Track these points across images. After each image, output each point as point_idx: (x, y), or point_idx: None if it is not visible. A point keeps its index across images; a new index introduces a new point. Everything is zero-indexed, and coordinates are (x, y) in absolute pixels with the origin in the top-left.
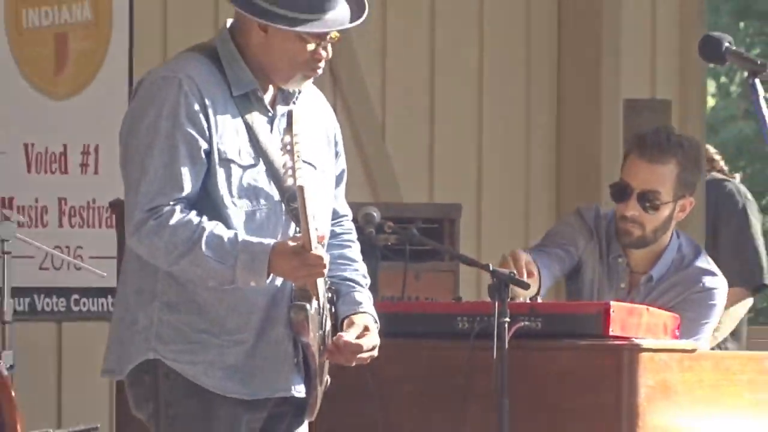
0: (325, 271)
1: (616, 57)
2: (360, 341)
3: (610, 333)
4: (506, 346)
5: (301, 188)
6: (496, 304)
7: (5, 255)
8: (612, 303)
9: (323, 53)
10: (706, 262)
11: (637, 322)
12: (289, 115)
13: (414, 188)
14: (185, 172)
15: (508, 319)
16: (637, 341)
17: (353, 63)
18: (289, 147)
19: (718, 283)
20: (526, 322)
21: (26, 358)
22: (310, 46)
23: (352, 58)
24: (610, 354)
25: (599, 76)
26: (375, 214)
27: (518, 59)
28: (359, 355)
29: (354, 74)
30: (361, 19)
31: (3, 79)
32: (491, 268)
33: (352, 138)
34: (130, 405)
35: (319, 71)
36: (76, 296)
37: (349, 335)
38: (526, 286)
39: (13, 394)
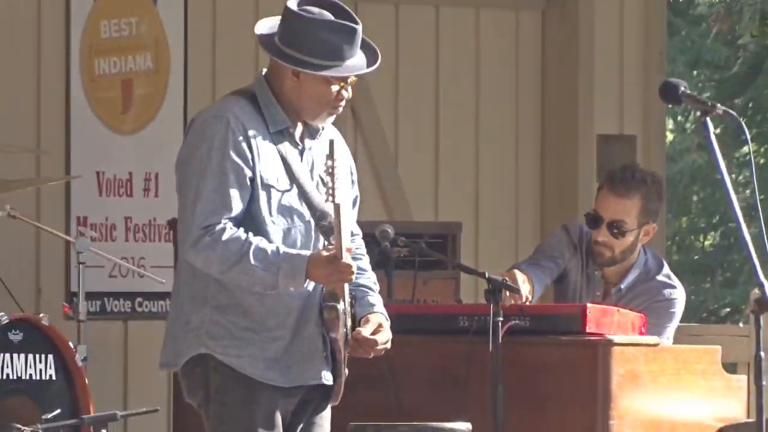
0: (353, 277)
1: (590, 99)
2: (375, 337)
3: (587, 330)
4: (500, 341)
5: (338, 206)
6: (491, 305)
7: (80, 264)
8: (588, 305)
9: (345, 93)
10: (667, 276)
11: (610, 321)
12: (331, 143)
13: (422, 208)
14: (234, 196)
15: (501, 319)
16: (609, 337)
17: (370, 104)
18: (330, 170)
19: (677, 294)
20: (517, 321)
21: (97, 351)
22: (334, 88)
23: (369, 100)
24: (587, 348)
25: (576, 115)
26: (390, 231)
27: (508, 101)
28: (375, 348)
29: (371, 113)
30: (376, 65)
31: (79, 118)
32: (487, 276)
33: (370, 166)
34: (184, 393)
35: (340, 109)
36: (139, 299)
37: (365, 331)
38: (516, 291)
39: (86, 381)
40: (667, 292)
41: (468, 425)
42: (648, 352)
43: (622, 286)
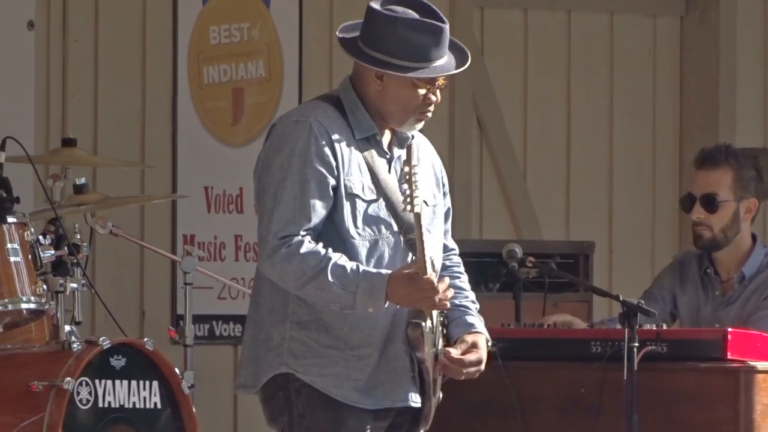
0: (439, 295)
1: (732, 109)
2: (464, 357)
3: (729, 356)
4: (635, 368)
5: (417, 215)
6: (626, 330)
7: (187, 285)
8: (730, 330)
9: (433, 98)
10: None
11: (753, 346)
12: (408, 148)
13: (552, 227)
14: (314, 205)
15: (636, 344)
16: (752, 363)
17: (497, 116)
18: (407, 177)
19: None
20: (653, 347)
21: (205, 378)
22: (421, 92)
23: (496, 112)
24: (729, 375)
25: (717, 127)
26: (517, 250)
27: (645, 113)
28: (466, 370)
29: (498, 126)
30: (465, 67)
31: (186, 129)
32: (621, 299)
33: (497, 181)
34: (266, 419)
35: (429, 115)
36: None
37: (455, 351)
38: (652, 315)
39: (193, 410)
40: None
41: None
42: None
43: (745, 272)
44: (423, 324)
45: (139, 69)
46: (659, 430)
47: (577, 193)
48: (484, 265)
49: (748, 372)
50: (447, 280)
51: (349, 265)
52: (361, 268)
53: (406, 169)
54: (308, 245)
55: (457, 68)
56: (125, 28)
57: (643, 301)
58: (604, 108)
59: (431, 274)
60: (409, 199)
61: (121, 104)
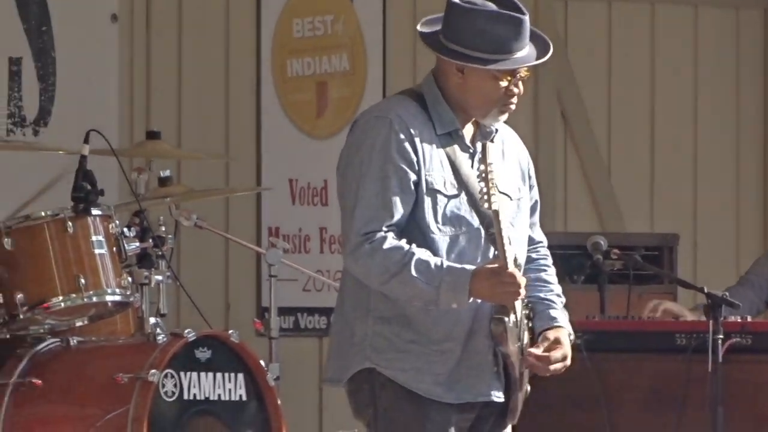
0: (521, 290)
1: None
2: (548, 354)
3: None
4: (720, 360)
5: (496, 212)
6: (711, 322)
7: (272, 278)
8: None
9: (515, 90)
10: None
11: None
12: (483, 146)
13: (636, 219)
14: (396, 201)
15: (721, 336)
16: None
17: (581, 109)
18: (484, 175)
19: None
20: (738, 339)
21: (291, 370)
22: (503, 84)
23: (580, 105)
24: None
25: None
26: (602, 243)
27: (729, 105)
28: (551, 366)
29: (582, 119)
30: (546, 57)
31: (270, 122)
32: (706, 291)
33: (582, 174)
34: (352, 412)
35: (512, 107)
36: None
37: (537, 349)
38: (737, 307)
39: (279, 402)
40: None
41: None
42: None
43: None
44: (506, 319)
45: (222, 61)
46: (744, 422)
47: (662, 185)
48: (569, 258)
49: None
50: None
51: (433, 260)
52: (445, 263)
53: (482, 167)
54: (391, 241)
55: (538, 59)
56: (209, 20)
57: (728, 293)
58: (688, 100)
59: (513, 269)
60: (486, 197)
61: (205, 97)
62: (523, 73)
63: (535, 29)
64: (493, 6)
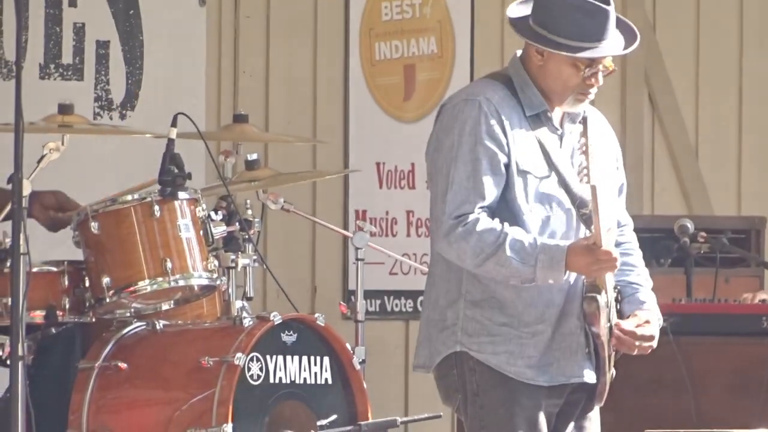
0: (617, 264)
1: None
2: (636, 329)
3: None
4: None
5: (594, 187)
6: None
7: (359, 261)
8: None
9: (593, 80)
10: None
11: None
12: (584, 120)
13: (724, 202)
14: (487, 183)
15: None
16: None
17: (669, 92)
18: (584, 148)
19: None
20: None
21: (377, 353)
22: (582, 72)
23: (668, 88)
24: None
25: None
26: (689, 226)
27: None
28: (639, 344)
29: (669, 101)
30: (629, 50)
31: (358, 105)
32: None
33: (669, 158)
34: (441, 397)
35: (590, 96)
36: (422, 298)
37: (627, 323)
38: None
39: (364, 386)
40: None
41: None
42: None
43: None
44: (599, 298)
45: (310, 44)
46: None
47: (749, 168)
48: (656, 241)
49: None
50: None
51: (527, 238)
52: (539, 240)
53: (583, 140)
54: (484, 222)
55: (624, 49)
56: (297, 3)
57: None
58: None
59: (607, 244)
60: (585, 171)
61: (292, 80)
62: (606, 63)
63: (625, 19)
64: None
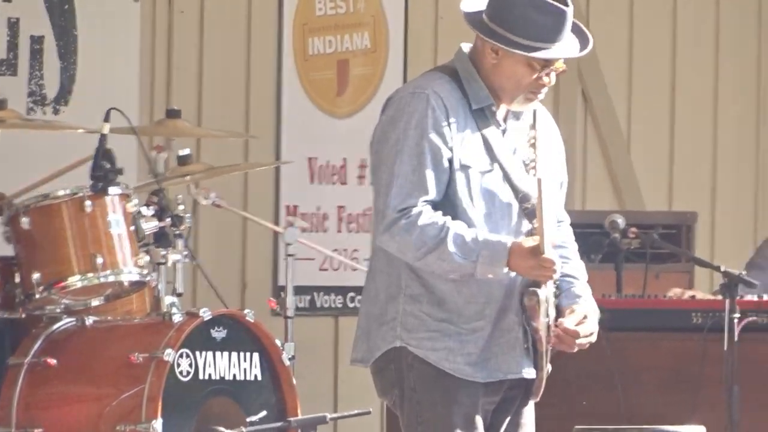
0: (557, 272)
1: None
2: (577, 327)
3: None
4: (736, 339)
5: (539, 180)
6: (727, 301)
7: (289, 257)
8: None
9: (546, 80)
10: None
11: None
12: (534, 113)
13: (655, 197)
14: (432, 177)
15: (737, 315)
16: None
17: (601, 85)
18: (533, 141)
19: None
20: (754, 318)
21: (306, 349)
22: (536, 72)
23: (600, 81)
24: None
25: None
26: (620, 221)
27: (749, 84)
28: (578, 341)
29: (602, 95)
30: (585, 52)
31: (291, 100)
32: (723, 269)
33: (601, 152)
34: (377, 391)
35: (540, 96)
36: (352, 294)
37: (568, 321)
38: (754, 286)
39: (293, 382)
40: None
41: (702, 428)
42: None
43: None
44: (539, 292)
45: (243, 40)
46: (760, 401)
47: (681, 163)
48: (587, 236)
49: None
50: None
51: (469, 233)
52: (481, 236)
53: (532, 133)
54: (427, 215)
55: (580, 52)
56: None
57: (745, 272)
58: (709, 78)
59: (551, 251)
60: (533, 163)
61: (225, 75)
62: (558, 65)
63: (579, 23)
64: None
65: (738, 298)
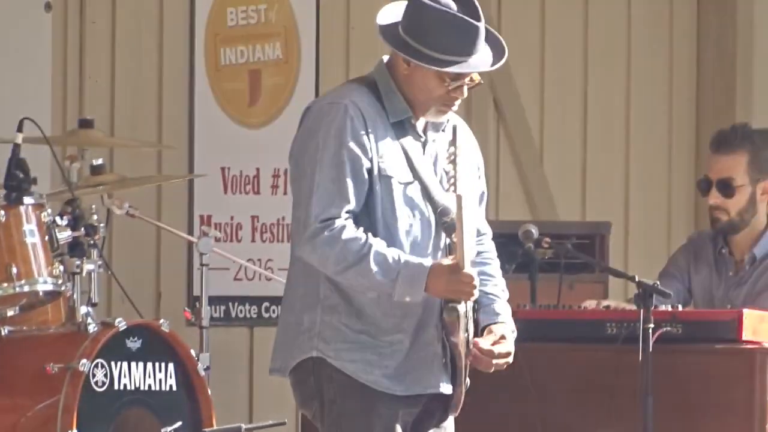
0: (475, 291)
1: (749, 93)
2: (494, 347)
3: (743, 337)
4: (650, 349)
5: (460, 197)
6: (642, 311)
7: (203, 267)
8: (744, 311)
9: (458, 93)
10: None
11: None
12: (454, 129)
13: (568, 208)
14: (352, 187)
15: (652, 326)
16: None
17: (514, 97)
18: (452, 157)
19: None
20: (668, 328)
21: (221, 360)
22: (447, 84)
23: (513, 93)
24: (743, 356)
25: (734, 110)
26: (534, 231)
27: (661, 95)
28: (495, 361)
29: (515, 106)
30: (499, 65)
31: (203, 111)
32: (637, 279)
33: (513, 162)
34: (297, 403)
35: (453, 108)
36: (266, 304)
37: (484, 342)
38: (668, 296)
39: (209, 392)
40: None
41: None
42: None
43: (756, 254)
44: (459, 308)
45: (156, 50)
46: (674, 411)
47: (594, 173)
48: (500, 246)
49: (763, 353)
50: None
51: (390, 252)
52: (403, 256)
53: (452, 149)
54: (350, 230)
55: (492, 66)
56: (142, 9)
57: (658, 282)
58: (621, 88)
59: (470, 268)
60: (453, 180)
61: (138, 85)
62: (474, 78)
63: (495, 33)
64: (452, 6)
65: (652, 308)
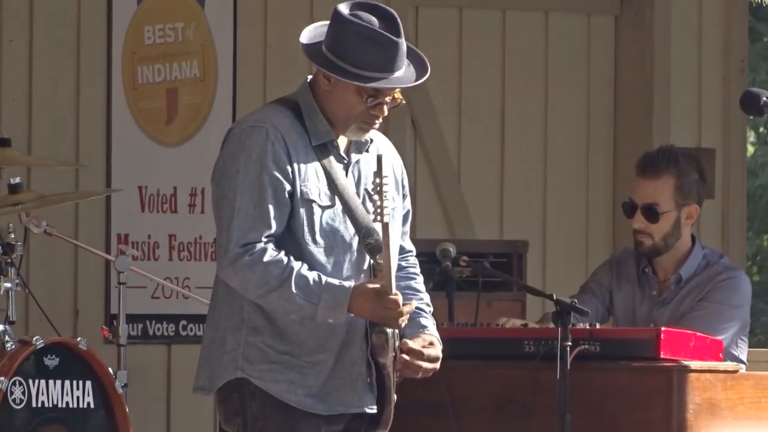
0: (404, 319)
1: (667, 110)
2: (423, 349)
3: (662, 355)
4: (568, 367)
5: (386, 225)
6: (559, 329)
7: (121, 285)
8: (662, 329)
9: (377, 110)
10: (728, 263)
11: (686, 346)
12: (379, 159)
13: (486, 226)
14: (273, 211)
15: (569, 343)
16: (685, 363)
17: (431, 115)
18: (378, 188)
19: (742, 277)
20: (586, 346)
21: (139, 377)
22: (366, 101)
23: (430, 110)
24: (662, 374)
25: (651, 127)
26: (451, 249)
27: (579, 112)
28: (423, 366)
29: (433, 125)
30: (422, 80)
31: (120, 129)
32: (555, 298)
33: (431, 181)
34: (221, 420)
35: (375, 125)
36: (184, 322)
37: (413, 342)
38: (585, 314)
39: (126, 409)
40: (731, 273)
41: None
42: (726, 379)
43: (682, 274)
44: (387, 331)
45: (73, 69)
46: (592, 429)
47: (511, 192)
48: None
49: (681, 371)
50: (413, 303)
51: (312, 276)
52: (324, 279)
53: (377, 180)
54: (271, 254)
55: (414, 82)
56: (59, 28)
57: (576, 300)
58: (539, 107)
59: (396, 294)
60: (379, 210)
61: (55, 104)
62: (395, 95)
63: (417, 50)
64: (374, 23)
65: (570, 326)
